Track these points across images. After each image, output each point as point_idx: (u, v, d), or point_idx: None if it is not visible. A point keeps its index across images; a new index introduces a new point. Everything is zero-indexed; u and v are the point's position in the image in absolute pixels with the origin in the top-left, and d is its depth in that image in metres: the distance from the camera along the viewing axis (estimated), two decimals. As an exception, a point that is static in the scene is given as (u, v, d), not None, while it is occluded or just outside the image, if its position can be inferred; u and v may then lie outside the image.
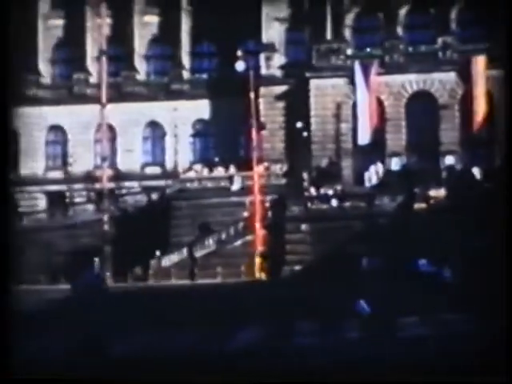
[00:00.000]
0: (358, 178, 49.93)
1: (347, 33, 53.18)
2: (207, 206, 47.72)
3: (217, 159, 52.51)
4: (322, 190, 47.90)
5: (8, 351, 9.70)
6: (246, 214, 46.36)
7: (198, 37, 57.10)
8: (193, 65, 57.65)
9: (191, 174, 52.30)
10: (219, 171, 51.27)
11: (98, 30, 53.13)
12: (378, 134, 50.54)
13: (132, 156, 56.05)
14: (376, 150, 50.29)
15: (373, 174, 49.57)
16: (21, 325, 19.58)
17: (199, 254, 45.43)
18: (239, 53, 48.59)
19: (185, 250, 45.64)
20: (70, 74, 57.92)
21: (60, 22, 58.39)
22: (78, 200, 54.79)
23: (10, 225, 9.89)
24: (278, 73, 54.07)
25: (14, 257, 9.80)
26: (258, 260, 43.98)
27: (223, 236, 45.95)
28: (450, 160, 49.63)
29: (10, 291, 9.86)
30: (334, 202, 46.20)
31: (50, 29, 58.07)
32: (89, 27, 57.19)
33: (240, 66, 48.08)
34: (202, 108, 56.13)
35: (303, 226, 44.95)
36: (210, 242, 46.00)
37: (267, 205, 46.84)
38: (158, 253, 45.74)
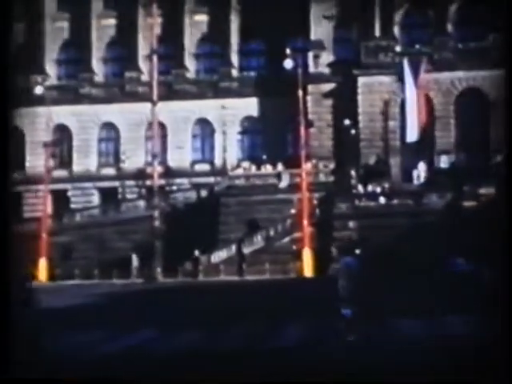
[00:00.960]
0: (406, 176, 49.34)
1: (396, 30, 52.60)
2: (255, 202, 47.66)
3: (265, 156, 52.38)
4: (370, 188, 47.49)
5: (10, 351, 9.74)
6: (293, 211, 46.16)
7: (247, 35, 57.02)
8: (241, 63, 57.59)
9: (239, 171, 52.29)
10: (267, 168, 51.17)
11: (149, 29, 53.38)
12: (427, 131, 49.89)
13: (182, 153, 56.22)
14: (424, 147, 49.66)
15: (421, 172, 48.96)
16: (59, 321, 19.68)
17: (247, 250, 45.40)
18: (287, 51, 48.36)
19: (233, 247, 45.68)
20: (122, 73, 58.37)
21: (112, 21, 58.82)
22: (129, 196, 55.19)
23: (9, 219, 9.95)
24: (326, 70, 53.71)
25: (12, 254, 9.86)
26: (305, 257, 43.74)
27: (271, 233, 45.85)
28: (499, 158, 48.70)
29: (9, 291, 9.90)
30: (382, 200, 45.77)
31: (102, 28, 58.53)
32: (140, 26, 57.50)
33: (288, 63, 47.87)
34: (250, 106, 56.04)
35: (351, 224, 44.61)
36: (258, 239, 45.94)
37: (315, 202, 46.60)
38: (197, 250, 45.59)
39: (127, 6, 57.90)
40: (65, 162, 56.84)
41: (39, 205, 50.87)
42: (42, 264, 46.11)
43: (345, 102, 51.37)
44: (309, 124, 50.40)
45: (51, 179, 50.15)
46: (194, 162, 56.56)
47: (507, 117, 10.00)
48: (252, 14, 56.27)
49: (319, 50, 53.68)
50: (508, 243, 9.31)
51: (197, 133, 57.12)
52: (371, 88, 50.85)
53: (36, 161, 54.21)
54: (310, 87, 51.90)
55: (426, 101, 50.05)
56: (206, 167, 56.13)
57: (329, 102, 53.02)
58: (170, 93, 54.93)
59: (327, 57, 53.76)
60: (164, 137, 55.04)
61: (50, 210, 51.73)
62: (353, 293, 14.68)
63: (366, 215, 44.09)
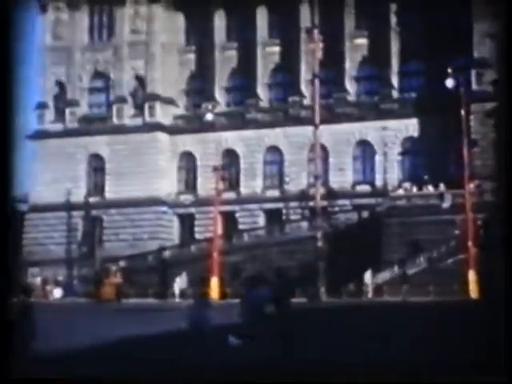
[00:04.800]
0: None
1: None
2: (417, 223, 45.36)
3: (426, 177, 49.98)
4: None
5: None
6: (457, 231, 43.60)
7: (407, 56, 55.05)
8: (401, 84, 55.61)
9: (401, 192, 50.18)
10: (429, 189, 48.76)
11: (311, 54, 52.72)
12: None
13: (343, 175, 54.87)
14: None
15: None
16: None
17: (411, 271, 43.34)
18: (449, 70, 46.03)
19: (396, 268, 43.80)
20: (286, 97, 57.99)
21: (276, 48, 58.68)
22: (293, 217, 54.49)
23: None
24: (490, 88, 50.65)
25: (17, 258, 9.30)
26: (471, 279, 41.11)
27: (434, 254, 43.52)
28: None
29: (9, 291, 9.32)
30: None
31: (267, 55, 58.53)
32: (303, 52, 56.97)
33: (450, 82, 45.58)
34: (411, 126, 53.91)
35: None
36: (421, 260, 43.75)
37: (479, 223, 43.78)
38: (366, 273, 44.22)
39: (290, 33, 57.62)
40: (233, 184, 57.14)
41: (210, 226, 51.25)
42: (214, 282, 46.19)
43: (510, 120, 48.08)
44: (472, 143, 47.64)
45: (221, 201, 50.37)
46: (355, 184, 54.99)
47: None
48: (411, 34, 54.32)
49: (483, 67, 50.69)
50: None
51: (358, 154, 55.53)
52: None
53: (207, 184, 54.77)
54: (473, 106, 49.04)
55: None
56: (367, 188, 54.35)
57: (493, 120, 49.93)
58: (331, 115, 53.85)
59: (491, 74, 50.70)
60: (326, 159, 53.91)
61: (220, 230, 51.98)
62: None
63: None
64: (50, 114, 60.18)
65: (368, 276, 43.65)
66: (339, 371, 12.56)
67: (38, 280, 50.08)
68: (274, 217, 55.08)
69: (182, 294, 44.78)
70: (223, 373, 11.72)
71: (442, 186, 47.93)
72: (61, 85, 60.17)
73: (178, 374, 11.66)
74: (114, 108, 59.01)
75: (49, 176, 58.02)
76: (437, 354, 15.79)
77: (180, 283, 45.13)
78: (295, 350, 14.93)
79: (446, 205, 46.37)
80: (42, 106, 60.20)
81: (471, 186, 44.84)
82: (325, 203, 50.70)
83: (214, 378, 10.95)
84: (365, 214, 50.09)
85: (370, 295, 42.92)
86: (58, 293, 50.00)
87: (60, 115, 59.95)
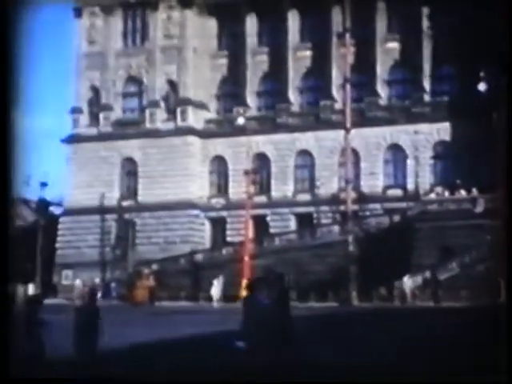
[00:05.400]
0: None
1: None
2: (449, 228, 44.94)
3: (458, 181, 49.58)
4: None
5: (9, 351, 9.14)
6: (489, 237, 43.18)
7: (439, 59, 54.68)
8: (433, 87, 55.19)
9: (432, 196, 49.81)
10: (461, 193, 48.38)
11: (342, 58, 52.66)
12: None
13: (374, 179, 54.60)
14: None
15: None
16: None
17: (443, 276, 42.99)
18: (481, 73, 45.69)
19: (428, 273, 43.50)
20: (317, 102, 57.88)
21: (308, 53, 58.64)
22: (324, 221, 54.35)
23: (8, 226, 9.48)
24: (522, 92, 50.09)
25: (10, 258, 9.31)
26: (502, 284, 40.72)
27: (467, 259, 43.18)
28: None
29: (8, 292, 9.41)
30: None
31: (299, 59, 58.55)
32: (334, 56, 56.87)
33: (483, 86, 45.28)
34: (443, 130, 53.50)
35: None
36: (453, 265, 43.39)
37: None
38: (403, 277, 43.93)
39: (321, 37, 57.54)
40: (264, 188, 57.21)
41: (241, 229, 51.39)
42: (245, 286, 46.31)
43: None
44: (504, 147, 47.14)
45: (252, 205, 50.49)
46: (386, 188, 54.60)
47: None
48: (443, 37, 53.93)
49: (515, 72, 50.15)
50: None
51: (389, 158, 55.18)
52: None
53: (238, 187, 54.93)
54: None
55: None
56: (398, 192, 53.98)
57: (525, 124, 49.40)
58: (362, 119, 53.66)
59: (523, 79, 50.14)
60: (357, 163, 53.68)
61: (251, 234, 52.10)
62: None
63: None
64: (84, 119, 60.87)
65: (407, 280, 43.27)
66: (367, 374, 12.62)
67: (78, 282, 50.50)
68: (305, 221, 54.97)
69: (219, 296, 44.93)
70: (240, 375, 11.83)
71: (474, 191, 47.51)
72: (95, 89, 60.82)
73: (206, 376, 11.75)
74: (147, 112, 59.47)
75: (83, 180, 58.68)
76: (468, 359, 15.72)
77: (217, 286, 45.26)
78: (303, 354, 15.00)
79: (478, 209, 45.94)
80: (76, 110, 60.91)
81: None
82: (356, 207, 50.53)
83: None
84: (396, 218, 49.70)
85: (408, 299, 42.58)
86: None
87: (94, 119, 60.58)
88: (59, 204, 60.87)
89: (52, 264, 57.41)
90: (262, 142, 57.15)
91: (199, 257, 53.69)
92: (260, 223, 54.95)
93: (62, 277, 57.23)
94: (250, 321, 14.40)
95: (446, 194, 49.06)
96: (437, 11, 54.80)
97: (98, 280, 53.55)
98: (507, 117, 9.88)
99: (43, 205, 56.77)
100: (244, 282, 45.11)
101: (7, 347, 9.34)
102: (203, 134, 58.88)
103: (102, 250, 57.87)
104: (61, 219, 59.74)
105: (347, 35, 51.89)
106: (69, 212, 59.12)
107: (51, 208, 61.38)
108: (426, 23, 55.18)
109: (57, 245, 58.78)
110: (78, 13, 61.10)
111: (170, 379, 11.60)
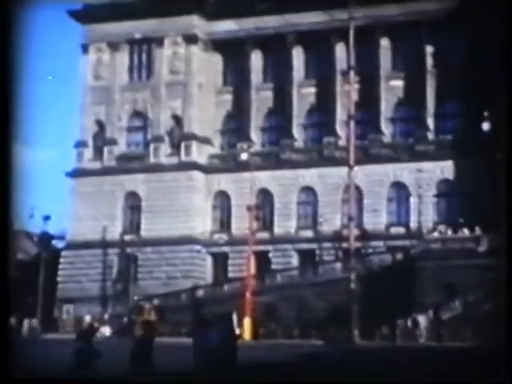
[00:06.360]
0: None
1: None
2: (452, 267, 44.55)
3: (461, 220, 49.35)
4: None
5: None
6: (492, 276, 42.80)
7: (442, 98, 54.83)
8: (437, 126, 55.29)
9: (435, 235, 49.46)
10: (464, 232, 48.08)
11: (346, 95, 52.76)
12: None
13: (377, 216, 54.42)
14: None
15: None
16: None
17: (446, 315, 42.52)
18: (485, 113, 45.72)
19: (431, 312, 43.06)
20: (321, 138, 57.98)
21: (312, 89, 58.91)
22: (326, 258, 54.04)
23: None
24: (526, 132, 50.08)
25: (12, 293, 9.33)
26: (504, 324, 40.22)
27: (470, 298, 42.76)
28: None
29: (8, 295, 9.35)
30: None
31: (303, 96, 58.77)
32: (338, 93, 57.07)
33: (486, 126, 45.28)
34: (446, 168, 53.48)
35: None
36: (457, 305, 42.96)
37: (515, 267, 42.92)
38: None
39: (326, 73, 57.83)
40: (267, 224, 57.02)
41: (243, 265, 51.10)
42: (247, 322, 45.88)
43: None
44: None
45: (255, 241, 50.25)
46: (389, 225, 54.34)
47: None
48: (447, 76, 54.16)
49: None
50: None
51: (392, 196, 55.03)
52: None
53: (241, 223, 54.75)
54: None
55: None
56: (401, 230, 53.68)
57: (529, 163, 49.29)
58: (366, 157, 53.63)
59: (527, 118, 50.16)
60: (360, 200, 53.49)
61: (253, 270, 51.78)
62: None
63: None
64: (88, 153, 60.98)
65: (423, 319, 42.74)
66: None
67: (88, 318, 50.03)
68: (307, 257, 54.63)
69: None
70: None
71: (477, 230, 47.21)
72: (100, 124, 61.04)
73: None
74: (151, 147, 59.56)
75: (86, 213, 58.54)
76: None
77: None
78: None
79: (481, 249, 45.58)
80: (81, 144, 61.05)
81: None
82: (358, 244, 50.17)
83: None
84: (399, 256, 49.34)
85: (422, 340, 42.05)
86: (106, 331, 49.75)
87: (98, 153, 60.65)
88: (62, 237, 60.69)
89: (53, 298, 57.05)
90: (266, 178, 57.09)
91: (200, 292, 53.30)
92: (262, 259, 54.61)
93: (62, 312, 56.82)
94: (200, 358, 14.52)
95: (449, 232, 48.67)
96: (441, 50, 55.09)
97: (106, 316, 53.14)
98: (507, 156, 9.84)
99: (46, 238, 56.66)
100: (245, 320, 44.87)
101: (7, 347, 9.30)
102: (207, 170, 58.88)
103: (103, 284, 57.54)
104: (63, 253, 59.50)
105: (351, 72, 52.01)
106: (71, 246, 58.88)
107: (54, 241, 61.23)
108: (430, 62, 55.44)
109: (58, 279, 58.48)
110: (85, 49, 61.59)
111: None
